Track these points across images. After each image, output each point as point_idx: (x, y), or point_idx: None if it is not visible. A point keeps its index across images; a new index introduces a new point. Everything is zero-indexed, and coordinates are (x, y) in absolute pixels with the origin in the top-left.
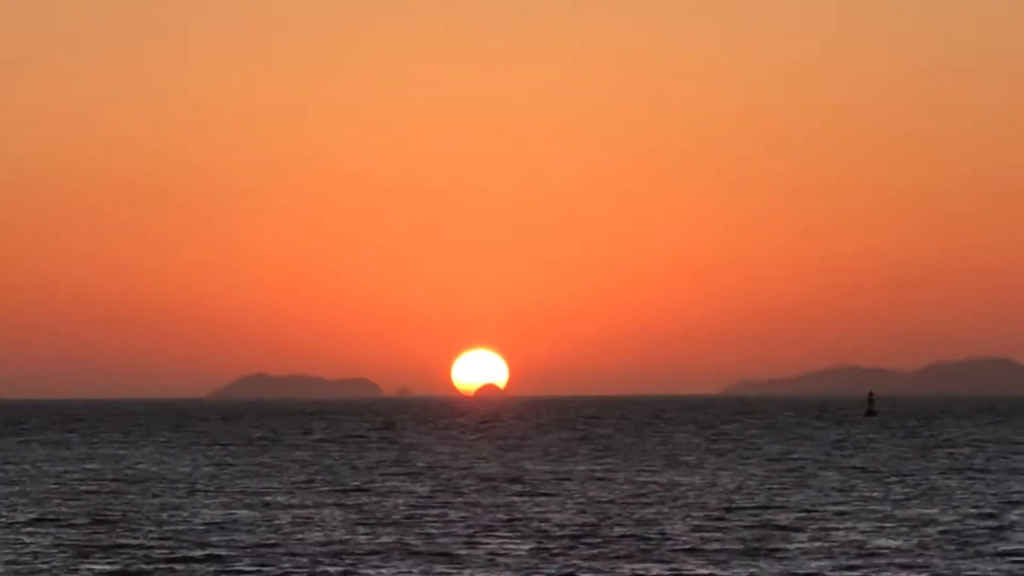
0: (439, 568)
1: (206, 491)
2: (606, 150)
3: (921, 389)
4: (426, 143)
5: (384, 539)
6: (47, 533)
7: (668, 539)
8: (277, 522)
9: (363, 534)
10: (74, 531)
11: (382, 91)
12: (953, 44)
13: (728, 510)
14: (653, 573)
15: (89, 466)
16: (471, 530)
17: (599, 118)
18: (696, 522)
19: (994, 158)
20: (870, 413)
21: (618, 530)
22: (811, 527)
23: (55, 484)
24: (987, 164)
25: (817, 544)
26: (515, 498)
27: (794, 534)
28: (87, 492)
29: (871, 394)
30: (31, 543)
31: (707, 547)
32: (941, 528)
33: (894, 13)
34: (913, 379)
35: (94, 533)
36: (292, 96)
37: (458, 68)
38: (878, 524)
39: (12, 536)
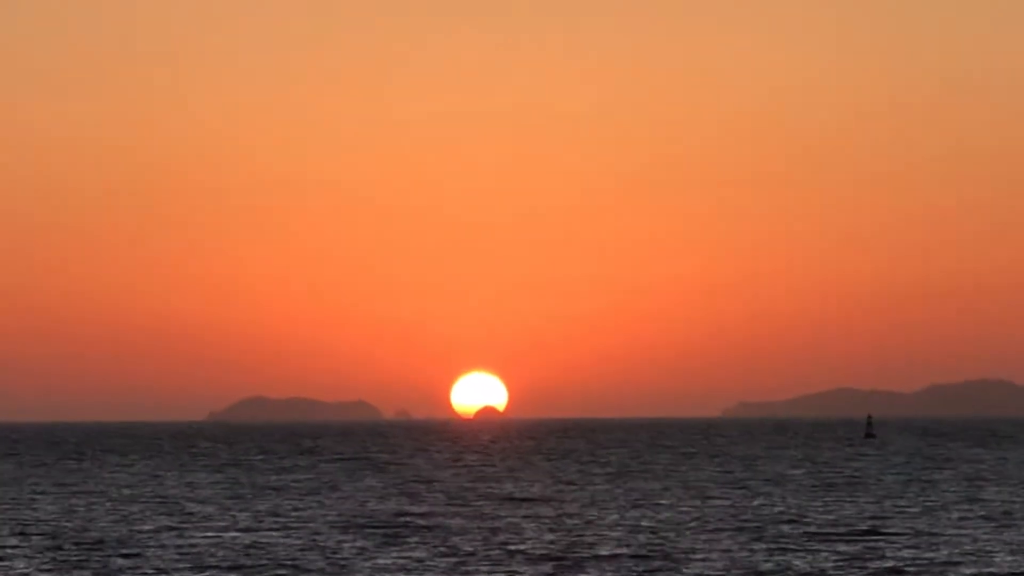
0: None
1: (200, 513)
2: (604, 172)
3: (920, 411)
4: (424, 164)
5: (380, 560)
6: (32, 557)
7: (665, 559)
8: (269, 543)
9: (358, 556)
10: (61, 553)
11: (380, 112)
12: (956, 66)
13: (724, 531)
14: None
15: (81, 488)
16: (465, 552)
17: (598, 139)
18: (692, 543)
19: (994, 180)
20: (869, 435)
21: (617, 551)
22: (808, 548)
23: (48, 507)
24: (987, 185)
25: (817, 565)
26: (514, 519)
27: (792, 555)
28: (74, 515)
29: (870, 417)
30: (13, 566)
31: (700, 570)
32: (943, 551)
33: (898, 36)
34: (912, 401)
35: (80, 556)
36: (290, 117)
37: (457, 88)
38: (872, 545)
39: None
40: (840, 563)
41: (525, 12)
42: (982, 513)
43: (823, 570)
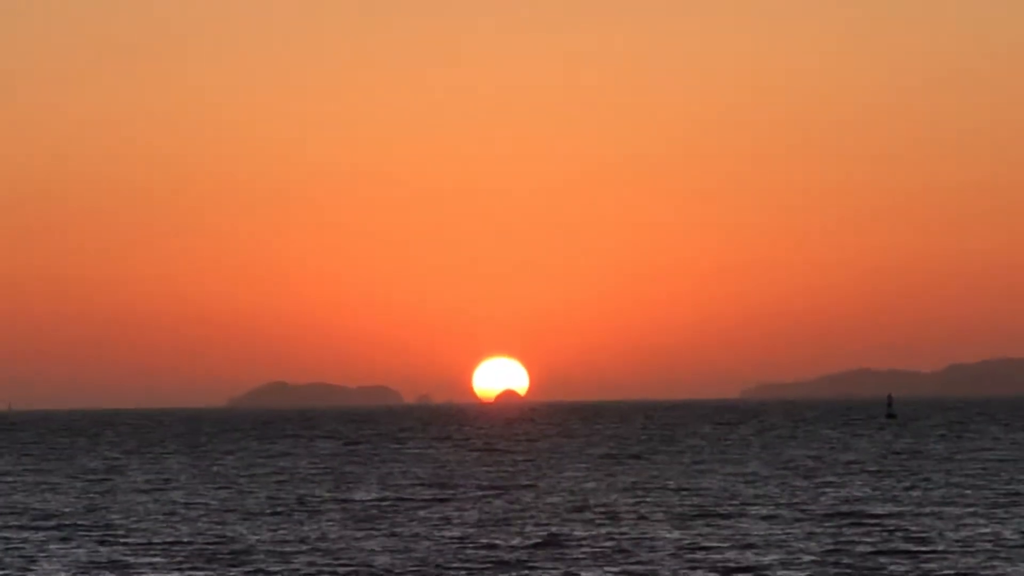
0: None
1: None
2: (624, 155)
3: (940, 391)
4: (445, 149)
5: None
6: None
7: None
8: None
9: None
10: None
11: (400, 97)
12: (974, 39)
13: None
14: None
15: (94, 478)
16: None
17: (618, 123)
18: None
19: (1011, 159)
20: (890, 416)
21: (657, 539)
22: (833, 532)
23: (60, 496)
24: (1005, 164)
25: (841, 547)
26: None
27: (820, 538)
28: (96, 505)
29: (890, 397)
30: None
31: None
32: (963, 533)
33: (903, 16)
34: (932, 381)
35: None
36: (310, 102)
37: (477, 77)
38: (892, 530)
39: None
40: (855, 548)
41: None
42: (1011, 491)
43: (841, 553)
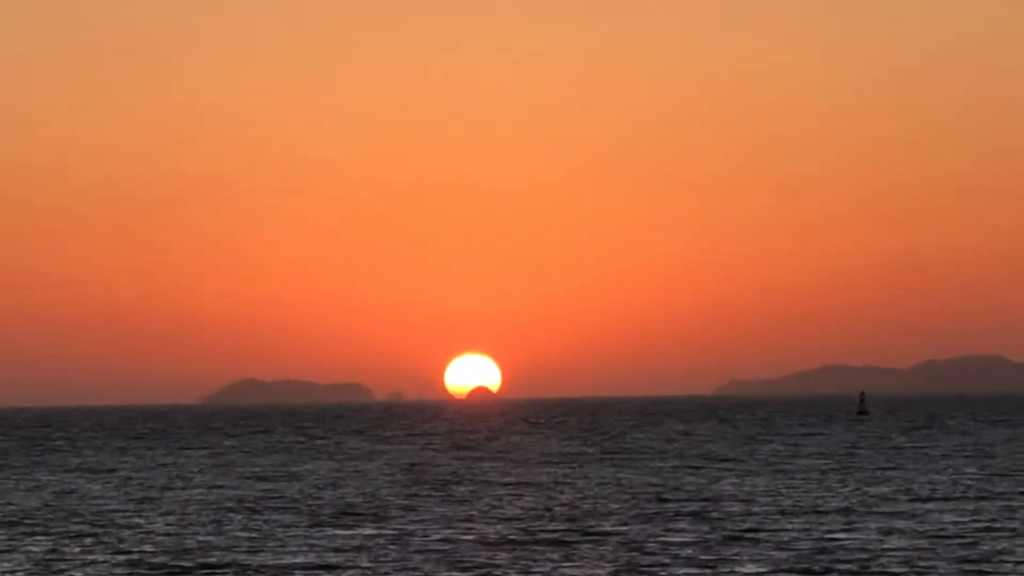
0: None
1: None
2: (595, 153)
3: (913, 387)
4: (418, 147)
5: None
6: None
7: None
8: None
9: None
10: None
11: (374, 94)
12: (942, 42)
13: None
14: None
15: (65, 476)
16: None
17: (587, 122)
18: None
19: (984, 156)
20: (862, 412)
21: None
22: (801, 526)
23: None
24: (977, 162)
25: (811, 543)
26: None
27: (789, 533)
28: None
29: (862, 393)
30: None
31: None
32: (934, 526)
33: (884, 13)
34: (905, 377)
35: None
36: (282, 100)
37: (449, 71)
38: (859, 525)
39: None
40: (819, 543)
41: (513, 4)
42: (990, 488)
43: (815, 547)
